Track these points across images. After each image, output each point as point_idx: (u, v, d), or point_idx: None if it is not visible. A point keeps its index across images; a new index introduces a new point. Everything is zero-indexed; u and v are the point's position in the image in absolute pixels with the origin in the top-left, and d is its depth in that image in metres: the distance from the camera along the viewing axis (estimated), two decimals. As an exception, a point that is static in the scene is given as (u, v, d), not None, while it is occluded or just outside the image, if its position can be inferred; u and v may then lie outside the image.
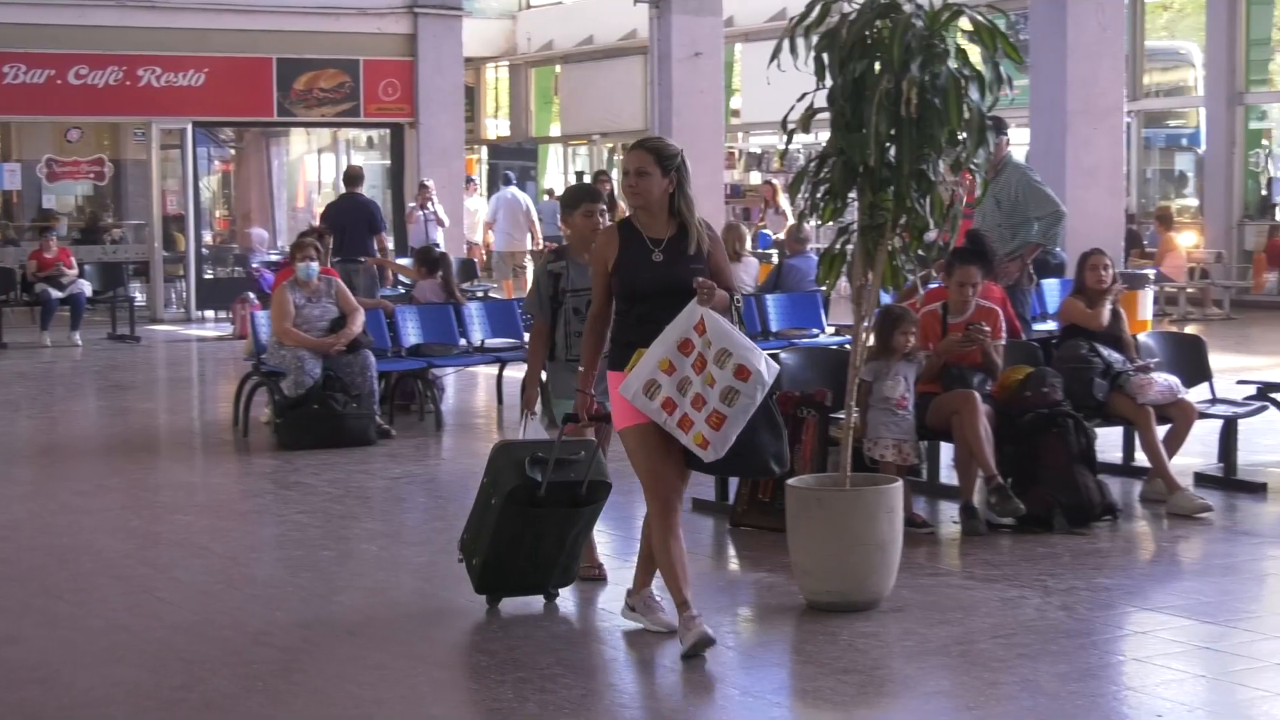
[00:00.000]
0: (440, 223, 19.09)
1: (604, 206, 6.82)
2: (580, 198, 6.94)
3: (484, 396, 13.51)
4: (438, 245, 16.85)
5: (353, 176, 16.42)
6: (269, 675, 5.91)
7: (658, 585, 6.07)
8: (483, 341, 12.49)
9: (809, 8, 6.75)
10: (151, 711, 5.47)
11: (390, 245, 15.53)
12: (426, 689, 5.83)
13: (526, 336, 12.30)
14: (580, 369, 5.85)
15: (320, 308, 10.65)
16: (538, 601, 6.72)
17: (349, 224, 15.08)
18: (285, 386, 10.48)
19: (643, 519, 6.00)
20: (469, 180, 26.53)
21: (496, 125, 32.37)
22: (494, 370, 12.98)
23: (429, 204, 19.12)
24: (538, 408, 6.84)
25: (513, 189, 21.90)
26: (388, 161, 23.35)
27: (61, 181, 22.09)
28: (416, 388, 12.00)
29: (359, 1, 21.63)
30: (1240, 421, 9.33)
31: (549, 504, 6.05)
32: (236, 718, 5.42)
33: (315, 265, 10.77)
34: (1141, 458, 8.92)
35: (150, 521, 8.91)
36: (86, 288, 18.14)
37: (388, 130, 23.00)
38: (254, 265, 18.68)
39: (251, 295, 16.18)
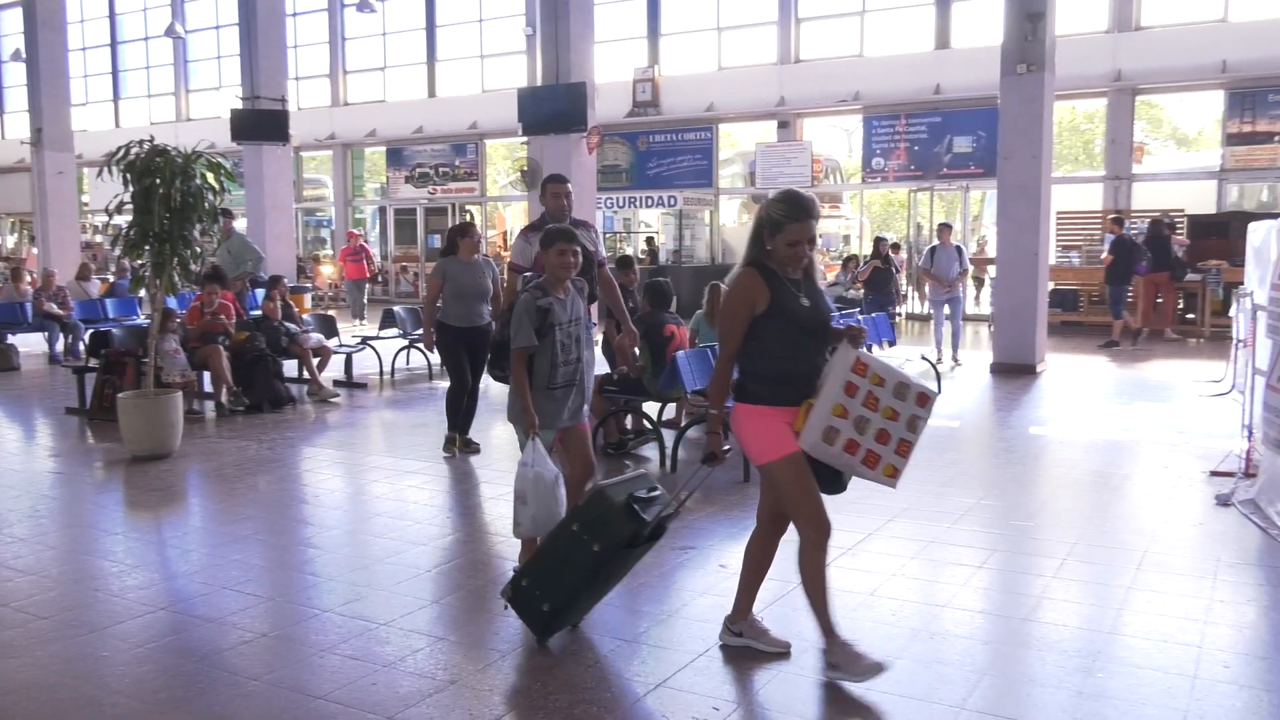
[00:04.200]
0: None
1: (578, 248, 4.66)
2: (555, 238, 4.64)
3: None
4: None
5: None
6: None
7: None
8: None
9: (119, 149, 7.35)
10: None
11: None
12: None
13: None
14: (712, 411, 3.80)
15: None
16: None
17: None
18: None
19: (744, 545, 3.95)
20: None
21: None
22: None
23: None
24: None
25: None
26: None
27: None
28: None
29: None
30: (355, 356, 10.65)
31: (643, 543, 3.98)
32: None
33: None
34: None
35: None
36: None
37: None
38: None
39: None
